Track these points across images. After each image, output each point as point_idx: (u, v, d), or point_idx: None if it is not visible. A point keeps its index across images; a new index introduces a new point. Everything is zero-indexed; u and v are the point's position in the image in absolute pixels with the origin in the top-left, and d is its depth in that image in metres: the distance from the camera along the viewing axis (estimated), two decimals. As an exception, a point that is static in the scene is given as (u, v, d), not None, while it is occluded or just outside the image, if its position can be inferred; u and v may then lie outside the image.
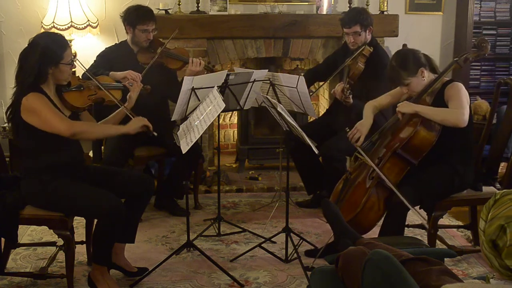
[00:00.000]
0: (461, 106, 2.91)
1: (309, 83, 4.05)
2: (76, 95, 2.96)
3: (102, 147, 4.14)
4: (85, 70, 3.11)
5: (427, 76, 3.06)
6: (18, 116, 2.75)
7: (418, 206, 3.14)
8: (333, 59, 4.21)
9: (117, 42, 4.30)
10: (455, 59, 3.10)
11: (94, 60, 3.92)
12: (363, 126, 3.31)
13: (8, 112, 2.82)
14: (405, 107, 3.03)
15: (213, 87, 3.02)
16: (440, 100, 3.01)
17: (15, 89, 2.81)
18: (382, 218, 3.08)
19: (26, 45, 2.82)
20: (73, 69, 2.96)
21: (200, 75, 3.74)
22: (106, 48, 4.10)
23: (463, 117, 2.88)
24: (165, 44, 3.92)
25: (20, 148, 2.91)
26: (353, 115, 3.74)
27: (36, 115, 2.72)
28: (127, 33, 3.98)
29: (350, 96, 3.66)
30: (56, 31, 4.36)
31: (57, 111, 2.77)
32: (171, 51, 3.98)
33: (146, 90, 3.47)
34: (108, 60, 3.87)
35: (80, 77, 3.18)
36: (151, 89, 3.56)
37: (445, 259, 2.47)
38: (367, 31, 3.92)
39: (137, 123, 2.97)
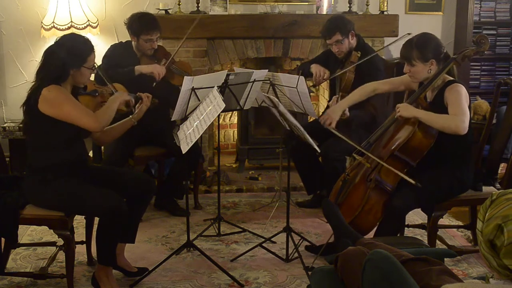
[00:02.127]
0: (462, 113, 2.85)
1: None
2: (89, 100, 2.97)
3: (102, 147, 4.14)
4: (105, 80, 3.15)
5: (434, 69, 3.02)
6: (35, 109, 2.74)
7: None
8: (326, 57, 4.15)
9: (122, 41, 4.25)
10: (453, 56, 3.06)
11: (102, 62, 3.89)
12: (335, 111, 3.39)
13: (25, 105, 2.81)
14: (405, 111, 2.98)
15: (213, 87, 3.02)
16: (440, 99, 2.99)
17: (33, 83, 2.81)
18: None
19: (53, 43, 2.84)
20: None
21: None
22: (111, 46, 4.06)
23: (463, 125, 2.83)
24: (170, 57, 3.88)
25: (27, 143, 2.90)
26: (354, 126, 3.71)
27: (58, 108, 2.72)
28: (131, 37, 3.96)
29: (345, 111, 3.55)
30: (56, 31, 4.37)
31: (80, 105, 2.78)
32: (175, 67, 3.95)
33: (154, 103, 3.47)
34: (114, 60, 3.85)
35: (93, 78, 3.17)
36: (152, 87, 3.55)
37: (445, 259, 2.47)
38: (350, 36, 3.88)
39: (122, 95, 2.99)
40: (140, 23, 3.85)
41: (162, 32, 3.99)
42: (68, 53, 2.76)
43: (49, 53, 2.81)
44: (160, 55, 3.95)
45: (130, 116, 3.15)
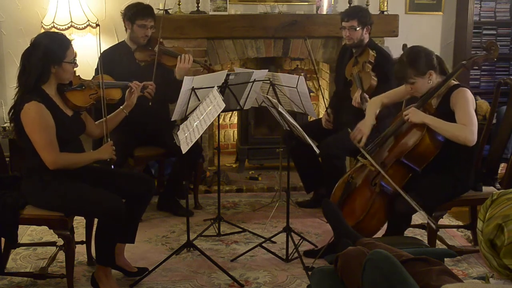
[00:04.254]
0: (470, 122, 2.82)
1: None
2: (78, 94, 2.96)
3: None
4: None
5: (434, 79, 2.98)
6: (19, 118, 2.76)
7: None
8: (342, 55, 4.20)
9: (112, 44, 4.26)
10: (463, 62, 3.01)
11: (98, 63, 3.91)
12: (365, 126, 3.23)
13: (11, 113, 2.82)
14: (414, 116, 2.94)
15: (213, 87, 3.02)
16: (446, 105, 2.96)
17: (17, 89, 2.81)
18: (385, 225, 3.07)
19: (28, 46, 2.82)
20: (75, 69, 2.96)
21: (189, 70, 3.80)
22: (103, 51, 4.07)
23: (472, 136, 2.80)
24: (159, 39, 3.91)
25: (22, 147, 2.91)
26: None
27: (29, 131, 2.74)
28: (126, 30, 3.99)
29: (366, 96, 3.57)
30: (56, 31, 4.36)
31: (48, 137, 2.75)
32: (167, 48, 3.98)
33: (151, 99, 3.46)
34: (109, 62, 3.86)
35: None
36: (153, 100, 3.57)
37: (445, 259, 2.47)
38: (365, 29, 3.91)
39: (107, 153, 2.94)
40: (137, 9, 3.93)
41: (159, 29, 3.99)
42: (46, 52, 2.75)
43: (27, 55, 2.79)
44: (153, 43, 3.96)
45: (121, 107, 3.15)
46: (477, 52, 3.13)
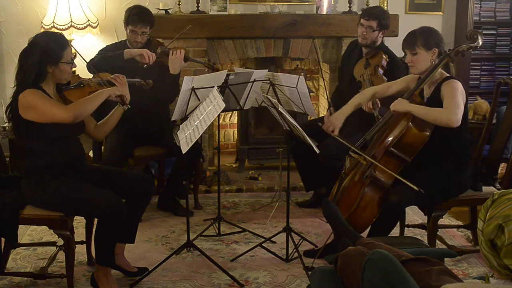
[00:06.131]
0: (455, 106, 2.86)
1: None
2: (76, 92, 2.95)
3: (102, 147, 4.14)
4: (86, 62, 3.14)
5: (435, 60, 3.03)
6: (17, 114, 2.75)
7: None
8: (346, 66, 4.17)
9: (119, 41, 4.29)
10: (447, 52, 3.05)
11: (95, 56, 3.92)
12: (338, 118, 3.29)
13: (8, 111, 2.82)
14: (398, 105, 3.01)
15: (213, 87, 3.02)
16: (436, 95, 3.00)
17: (15, 88, 2.81)
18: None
19: (26, 45, 2.82)
20: (74, 69, 2.95)
21: (181, 66, 3.79)
22: (107, 45, 4.10)
23: (455, 117, 2.82)
24: (166, 46, 3.93)
25: (21, 147, 2.91)
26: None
27: (34, 109, 2.71)
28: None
29: (377, 101, 3.54)
30: (56, 31, 4.36)
31: (53, 101, 2.75)
32: (169, 49, 3.98)
33: (148, 84, 3.45)
34: (110, 52, 3.87)
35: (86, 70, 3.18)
36: (152, 85, 3.54)
37: (445, 259, 2.47)
38: (381, 32, 3.92)
39: (122, 88, 2.95)
40: (130, 13, 3.91)
41: (159, 29, 4.00)
42: (43, 52, 2.74)
43: (24, 54, 2.78)
44: (155, 45, 3.96)
45: (118, 103, 3.12)
46: (471, 48, 3.14)
